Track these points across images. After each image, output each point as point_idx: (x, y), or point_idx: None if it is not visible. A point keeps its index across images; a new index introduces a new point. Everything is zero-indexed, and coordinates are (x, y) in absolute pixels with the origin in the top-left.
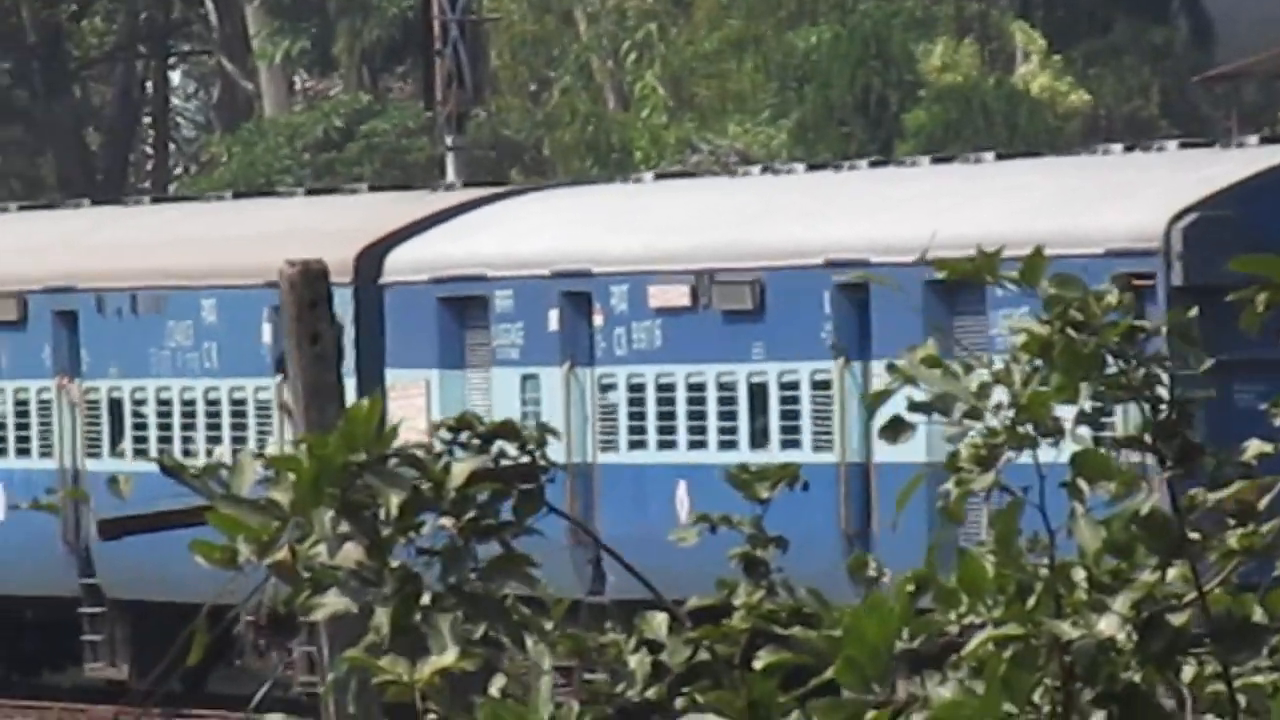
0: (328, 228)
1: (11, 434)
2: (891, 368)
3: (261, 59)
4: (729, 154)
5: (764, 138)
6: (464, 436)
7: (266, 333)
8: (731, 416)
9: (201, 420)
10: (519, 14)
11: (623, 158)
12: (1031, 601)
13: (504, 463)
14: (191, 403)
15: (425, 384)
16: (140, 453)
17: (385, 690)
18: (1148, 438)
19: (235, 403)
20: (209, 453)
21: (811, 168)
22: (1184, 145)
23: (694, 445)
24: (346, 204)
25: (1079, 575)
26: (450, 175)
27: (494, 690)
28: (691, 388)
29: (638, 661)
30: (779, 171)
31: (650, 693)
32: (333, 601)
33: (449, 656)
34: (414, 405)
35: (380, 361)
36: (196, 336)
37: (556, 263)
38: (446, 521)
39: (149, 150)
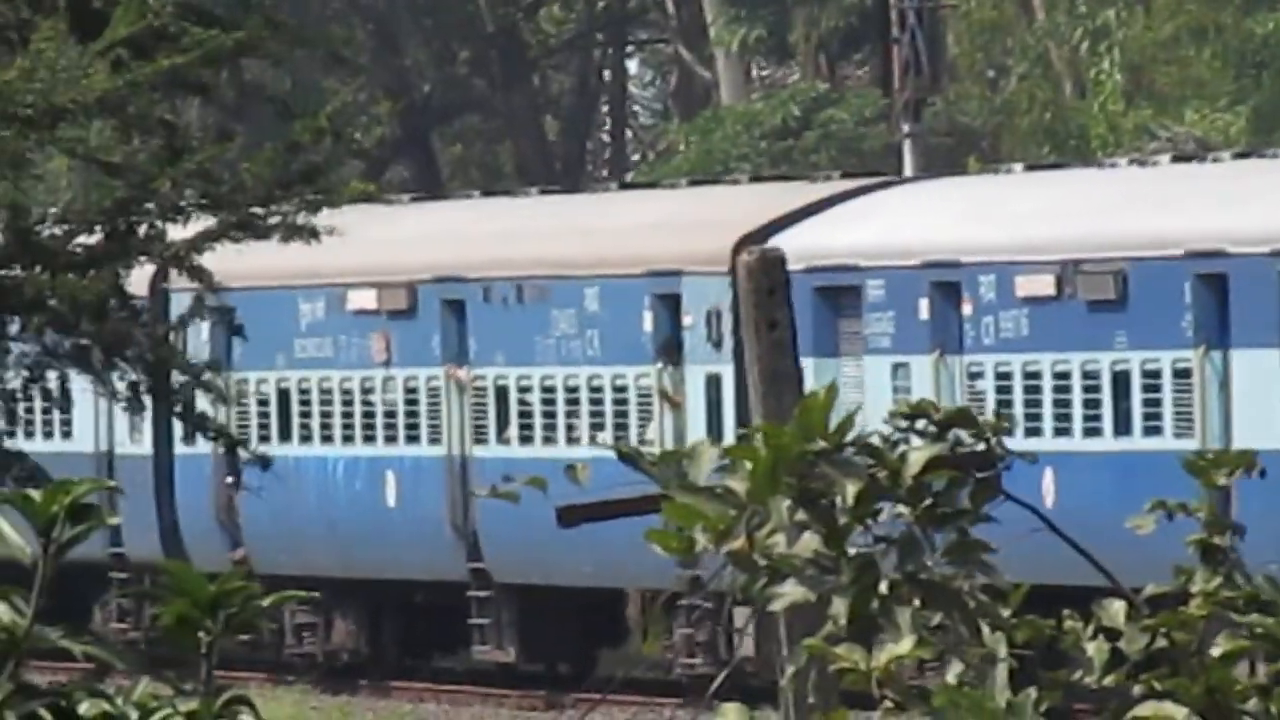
0: (708, 218)
1: (401, 421)
2: None
3: (718, 46)
4: (1187, 141)
5: (1221, 124)
6: (920, 424)
7: (647, 321)
8: (1096, 405)
9: (585, 408)
10: (976, 1)
11: (1080, 145)
12: None
13: (960, 450)
14: (575, 390)
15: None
16: (526, 440)
17: (843, 678)
18: None
19: (617, 390)
20: (593, 439)
21: (1176, 159)
22: None
23: (1059, 432)
24: (728, 194)
25: None
26: (907, 163)
27: (951, 678)
28: (1057, 375)
29: (1095, 648)
30: (1144, 163)
31: (1108, 680)
32: (791, 590)
33: (906, 644)
34: None
35: None
36: (580, 325)
37: (926, 253)
38: (903, 509)
39: (606, 138)
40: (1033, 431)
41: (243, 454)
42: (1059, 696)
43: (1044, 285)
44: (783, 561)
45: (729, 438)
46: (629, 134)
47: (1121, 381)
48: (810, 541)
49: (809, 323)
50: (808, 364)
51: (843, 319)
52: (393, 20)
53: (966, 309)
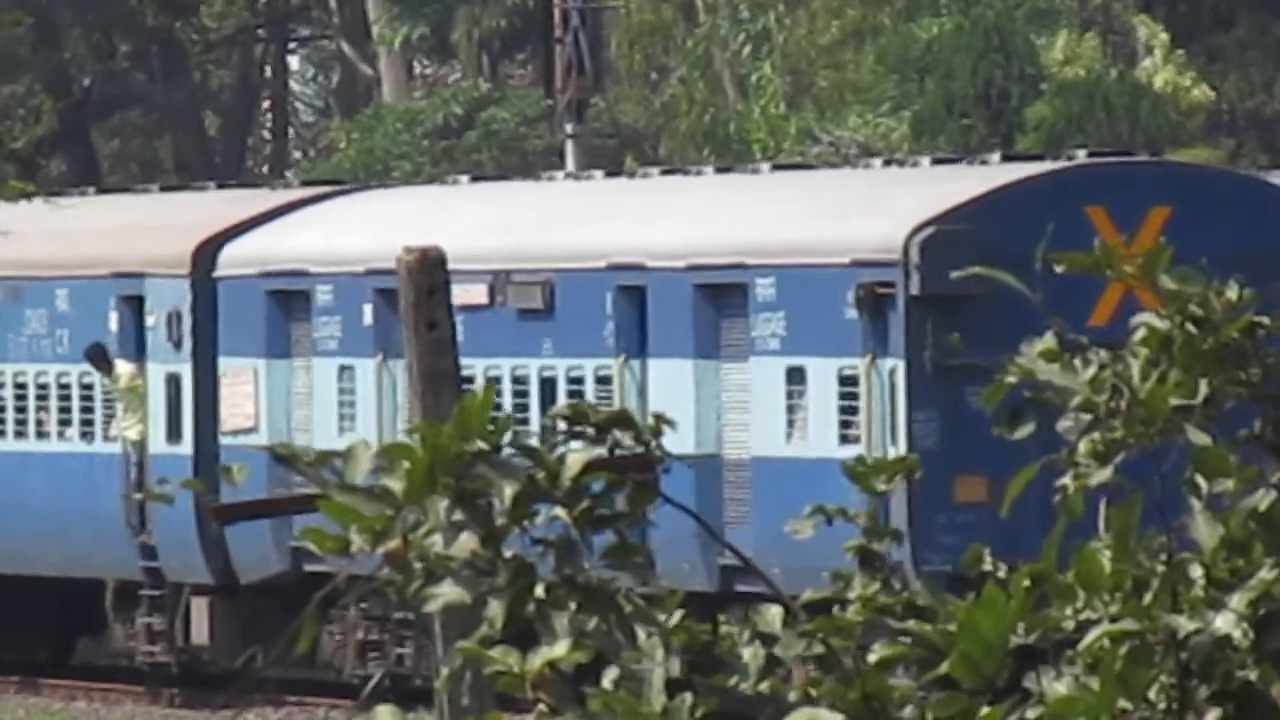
0: (170, 223)
1: None
2: (1011, 360)
3: (381, 44)
4: (849, 145)
5: (884, 129)
6: (579, 426)
7: (113, 321)
8: (524, 409)
9: (54, 403)
10: (636, 3)
11: (741, 148)
12: (1148, 597)
13: (619, 453)
14: (45, 386)
15: (253, 371)
16: None
17: (498, 681)
18: (1268, 435)
19: (84, 386)
20: (61, 434)
21: (609, 175)
22: (936, 162)
23: None
24: (190, 200)
25: (1196, 572)
26: (570, 163)
27: (606, 682)
28: (490, 380)
29: (751, 654)
30: (578, 178)
31: (764, 685)
32: (447, 591)
33: (561, 648)
34: (242, 391)
35: (214, 349)
36: (50, 324)
37: (370, 260)
38: (561, 512)
39: (267, 135)
40: None
41: None
42: (715, 702)
43: (478, 294)
44: (438, 563)
45: (188, 435)
46: (290, 131)
47: (548, 387)
48: (467, 542)
49: (262, 326)
50: (261, 364)
51: (293, 322)
52: (53, 13)
53: None
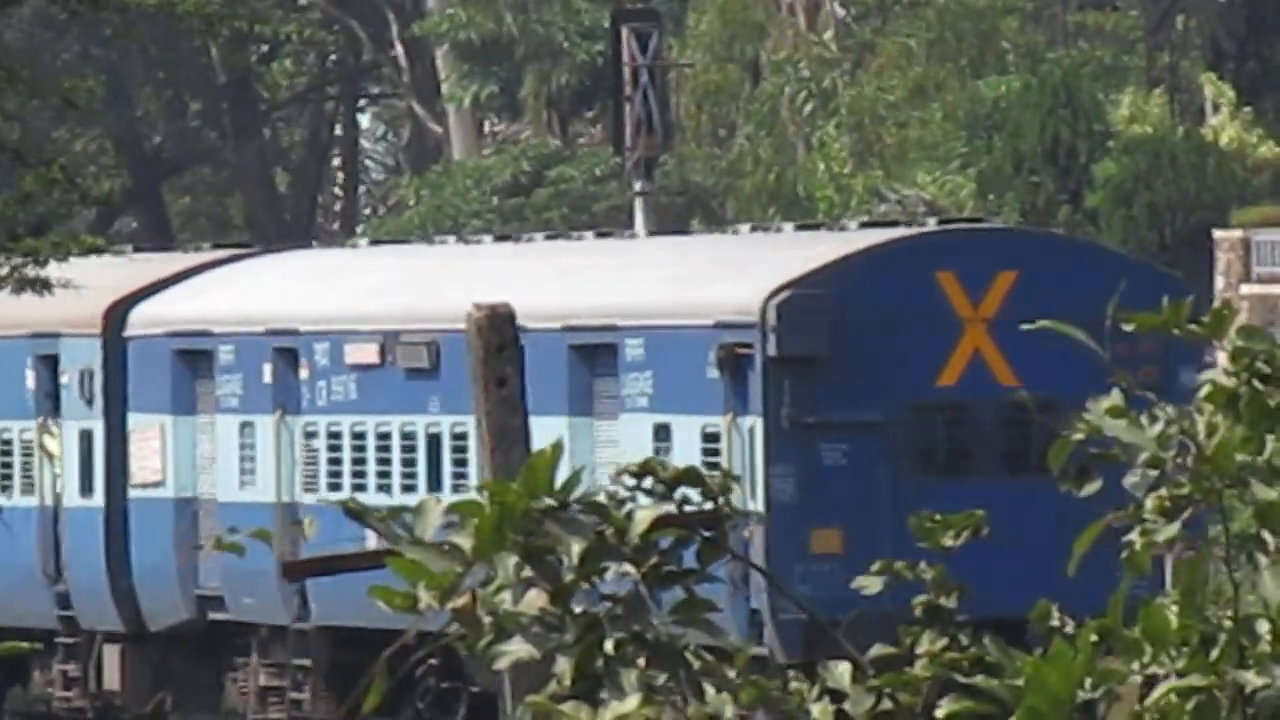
0: (84, 284)
1: None
2: (1078, 417)
3: (450, 102)
4: (916, 203)
5: (951, 186)
6: (647, 483)
7: (30, 379)
8: (412, 463)
9: None
10: (702, 64)
11: (808, 206)
12: (1215, 653)
13: (687, 509)
14: None
15: (160, 427)
16: None
17: None
18: None
19: (3, 443)
20: None
21: (498, 239)
22: (799, 228)
23: (381, 489)
24: (105, 263)
25: (1263, 627)
26: (639, 222)
27: None
28: (379, 436)
29: (820, 710)
30: (469, 241)
31: None
32: (516, 648)
33: (630, 704)
34: (150, 446)
35: (124, 406)
36: None
37: (269, 321)
38: (629, 568)
39: (337, 192)
40: (359, 487)
41: None
42: None
43: (369, 354)
44: (508, 619)
45: (99, 489)
46: (360, 188)
47: (434, 443)
48: (536, 599)
49: (169, 383)
50: (168, 420)
51: (199, 380)
52: (125, 71)
53: (304, 373)
